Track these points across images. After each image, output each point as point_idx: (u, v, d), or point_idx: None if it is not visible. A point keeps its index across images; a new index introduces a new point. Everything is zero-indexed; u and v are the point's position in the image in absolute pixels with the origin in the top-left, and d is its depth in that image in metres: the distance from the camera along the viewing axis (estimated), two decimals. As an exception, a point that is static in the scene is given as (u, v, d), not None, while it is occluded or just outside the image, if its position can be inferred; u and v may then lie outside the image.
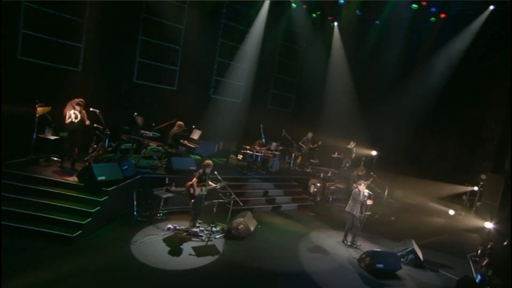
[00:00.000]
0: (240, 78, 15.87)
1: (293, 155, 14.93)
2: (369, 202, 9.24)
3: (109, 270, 6.30)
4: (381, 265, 7.89)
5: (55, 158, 9.28)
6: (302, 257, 8.24)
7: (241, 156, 13.69)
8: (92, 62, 11.28)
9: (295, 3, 15.52)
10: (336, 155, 15.52)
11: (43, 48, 10.30)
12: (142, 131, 9.99)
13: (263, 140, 13.27)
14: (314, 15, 16.67)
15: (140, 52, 12.67)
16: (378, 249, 9.19)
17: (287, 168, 14.54)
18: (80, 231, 6.97)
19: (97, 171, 7.78)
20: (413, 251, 8.83)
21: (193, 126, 12.04)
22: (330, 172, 14.46)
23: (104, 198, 7.73)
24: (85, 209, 7.35)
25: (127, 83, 12.45)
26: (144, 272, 6.41)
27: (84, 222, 7.10)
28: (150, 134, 9.99)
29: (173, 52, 13.54)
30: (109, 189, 7.90)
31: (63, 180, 7.96)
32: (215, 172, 8.70)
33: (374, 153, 15.52)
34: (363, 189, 9.29)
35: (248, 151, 13.09)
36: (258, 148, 13.12)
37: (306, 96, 17.82)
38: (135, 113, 10.00)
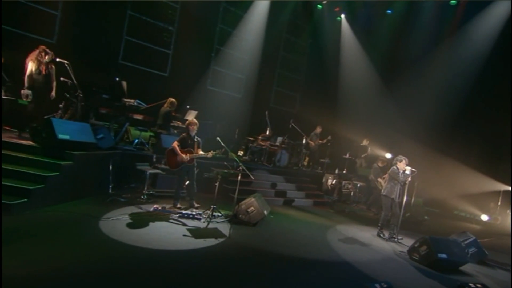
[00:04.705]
0: (241, 70, 14.19)
1: (300, 155, 12.85)
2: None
3: (61, 243, 4.18)
4: (444, 255, 5.80)
5: (8, 128, 7.21)
6: (335, 247, 6.12)
7: (241, 152, 11.71)
8: (70, 33, 9.60)
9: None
10: (348, 156, 13.43)
11: (9, 12, 8.50)
12: (125, 100, 8.00)
13: (268, 129, 11.40)
14: (319, 6, 15.34)
15: (128, 29, 11.02)
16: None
17: (295, 168, 12.45)
18: (25, 199, 4.88)
19: (58, 127, 5.74)
20: (475, 243, 6.78)
21: (188, 107, 10.15)
22: (345, 170, 12.49)
23: (66, 162, 5.65)
24: (37, 173, 5.26)
25: (111, 64, 10.67)
26: (113, 248, 4.30)
27: (33, 188, 5.00)
28: (134, 102, 7.94)
29: (166, 33, 11.91)
30: (75, 152, 5.84)
31: (11, 141, 5.89)
32: (218, 138, 6.72)
33: (388, 155, 13.54)
34: (403, 167, 7.32)
35: (251, 144, 11.20)
36: (261, 142, 11.26)
37: (313, 96, 15.95)
38: (117, 78, 8.10)
